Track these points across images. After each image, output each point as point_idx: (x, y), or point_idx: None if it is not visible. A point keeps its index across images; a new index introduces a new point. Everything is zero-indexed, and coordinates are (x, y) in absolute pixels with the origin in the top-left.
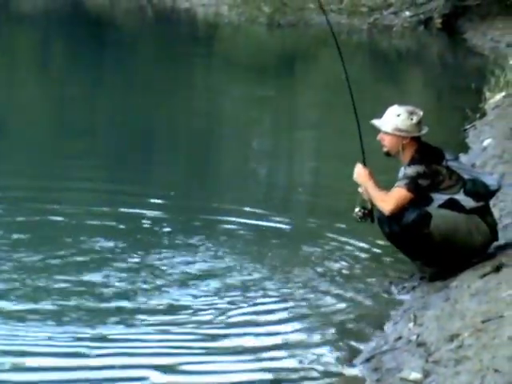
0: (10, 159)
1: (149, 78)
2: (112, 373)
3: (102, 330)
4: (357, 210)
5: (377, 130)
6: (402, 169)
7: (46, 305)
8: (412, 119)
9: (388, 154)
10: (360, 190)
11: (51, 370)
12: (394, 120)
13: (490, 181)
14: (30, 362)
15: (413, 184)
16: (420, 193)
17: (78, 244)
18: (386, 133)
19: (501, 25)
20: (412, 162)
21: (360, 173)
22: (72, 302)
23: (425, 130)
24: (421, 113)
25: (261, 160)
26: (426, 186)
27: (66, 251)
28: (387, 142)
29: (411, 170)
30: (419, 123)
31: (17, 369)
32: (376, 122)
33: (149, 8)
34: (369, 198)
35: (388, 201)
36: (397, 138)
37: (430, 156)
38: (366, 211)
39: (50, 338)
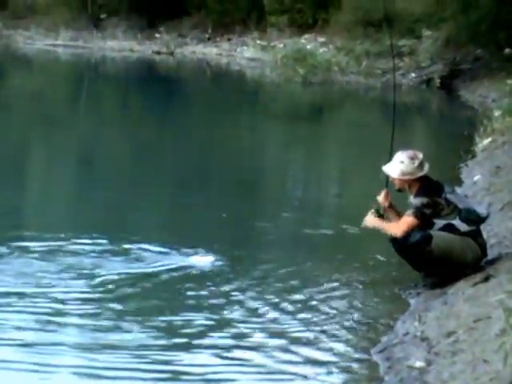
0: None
1: (208, 122)
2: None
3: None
4: (372, 211)
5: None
6: (411, 198)
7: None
8: (414, 163)
9: (399, 190)
10: (378, 197)
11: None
12: (399, 166)
13: (481, 209)
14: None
15: (419, 212)
16: (425, 219)
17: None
18: (395, 178)
19: (487, 84)
20: (417, 195)
21: (370, 220)
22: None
23: (426, 169)
24: (421, 156)
25: (297, 181)
26: (429, 214)
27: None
28: (397, 183)
29: (417, 201)
30: (420, 165)
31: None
32: (386, 169)
33: (208, 69)
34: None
35: (400, 227)
36: (404, 180)
37: (431, 190)
38: (378, 214)
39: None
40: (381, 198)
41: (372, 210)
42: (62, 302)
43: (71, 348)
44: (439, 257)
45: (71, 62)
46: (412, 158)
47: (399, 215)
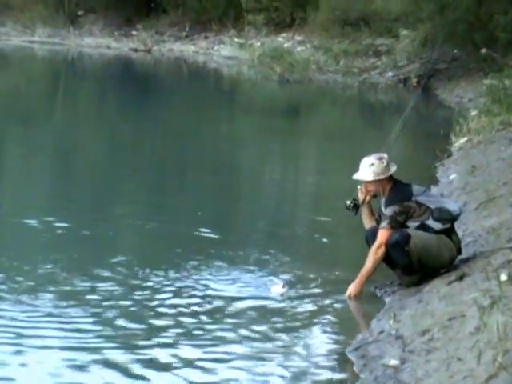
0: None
1: (185, 119)
2: None
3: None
4: (349, 201)
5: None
6: (383, 202)
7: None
8: (383, 163)
9: (375, 196)
10: (359, 187)
11: None
12: (370, 169)
13: (453, 207)
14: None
15: (393, 222)
16: (399, 225)
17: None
18: (369, 181)
19: (464, 84)
20: (388, 204)
21: (349, 289)
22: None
23: (394, 167)
24: (386, 155)
25: (273, 175)
26: (403, 220)
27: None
28: (372, 188)
29: (389, 211)
30: (388, 164)
31: None
32: (357, 176)
33: (185, 67)
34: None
35: (380, 246)
36: (378, 182)
37: (401, 195)
38: (356, 204)
39: None
40: (361, 188)
41: (348, 202)
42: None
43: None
44: (417, 255)
45: (48, 59)
46: (380, 158)
47: (372, 214)
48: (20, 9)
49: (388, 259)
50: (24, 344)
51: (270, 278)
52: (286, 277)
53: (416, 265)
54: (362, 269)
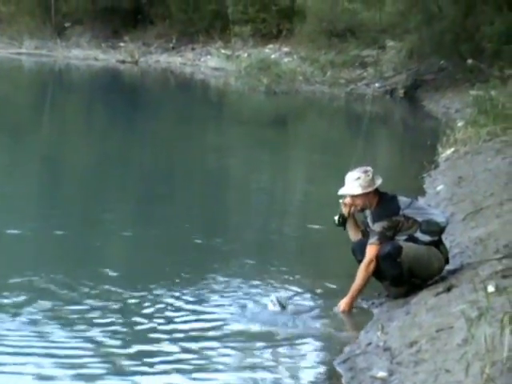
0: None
1: (172, 130)
2: None
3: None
4: (336, 217)
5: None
6: (370, 215)
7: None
8: (369, 175)
9: (362, 210)
10: (341, 201)
11: None
12: (357, 183)
13: (440, 218)
14: None
15: (382, 237)
16: (389, 240)
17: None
18: (357, 195)
19: (451, 94)
20: (376, 219)
21: (341, 305)
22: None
23: (379, 180)
24: (370, 168)
25: (261, 188)
26: (392, 235)
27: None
28: (360, 202)
29: (377, 227)
30: (373, 177)
31: None
32: (344, 191)
33: (172, 78)
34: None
35: (371, 262)
36: (365, 195)
37: (389, 209)
38: (344, 218)
39: None
40: (345, 201)
41: (336, 218)
42: None
43: None
44: (408, 265)
45: (35, 71)
46: (365, 171)
47: (357, 226)
48: (7, 21)
49: (376, 271)
50: None
51: (261, 291)
52: (277, 293)
53: (406, 275)
54: (352, 284)
